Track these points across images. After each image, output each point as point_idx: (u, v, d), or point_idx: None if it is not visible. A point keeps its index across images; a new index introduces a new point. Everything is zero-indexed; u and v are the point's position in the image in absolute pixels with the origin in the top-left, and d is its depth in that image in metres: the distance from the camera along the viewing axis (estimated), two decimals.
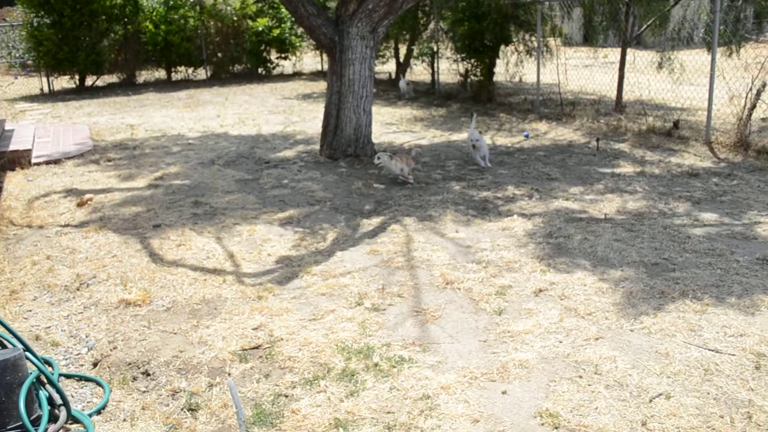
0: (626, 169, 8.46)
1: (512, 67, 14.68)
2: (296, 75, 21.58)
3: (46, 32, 18.49)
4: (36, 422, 3.35)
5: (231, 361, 4.07)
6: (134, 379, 3.98)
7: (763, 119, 10.24)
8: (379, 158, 7.78)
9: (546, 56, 13.79)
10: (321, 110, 12.43)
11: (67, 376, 4.03)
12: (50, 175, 9.02)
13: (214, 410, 3.60)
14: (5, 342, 3.87)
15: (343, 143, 9.13)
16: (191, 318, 4.64)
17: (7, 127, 11.66)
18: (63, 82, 20.40)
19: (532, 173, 8.32)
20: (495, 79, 15.04)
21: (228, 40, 20.75)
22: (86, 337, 4.49)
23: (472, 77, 15.22)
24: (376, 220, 6.61)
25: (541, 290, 4.89)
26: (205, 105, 15.47)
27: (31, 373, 3.48)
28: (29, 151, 9.78)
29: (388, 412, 3.49)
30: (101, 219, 6.88)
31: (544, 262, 5.40)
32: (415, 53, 17.42)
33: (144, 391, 3.85)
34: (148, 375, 4.00)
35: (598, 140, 9.99)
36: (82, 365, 4.18)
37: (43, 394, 3.54)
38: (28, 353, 3.66)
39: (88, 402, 3.79)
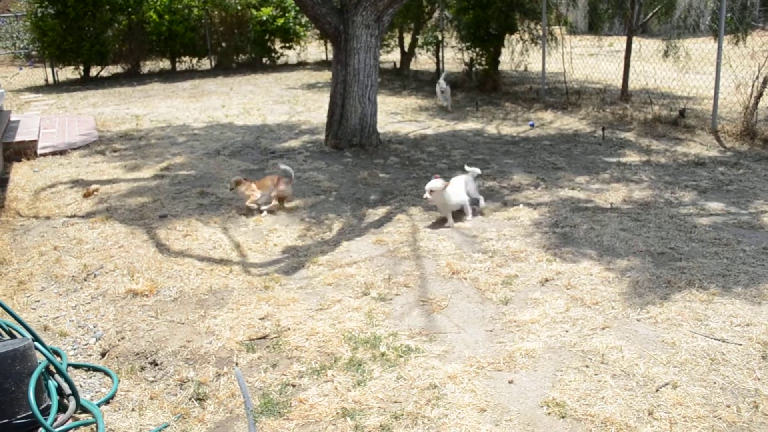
0: (632, 158, 8.44)
1: (517, 56, 14.64)
2: (301, 65, 21.54)
3: (50, 22, 18.48)
4: (45, 412, 3.37)
5: (238, 351, 4.09)
6: (142, 369, 4.00)
7: None
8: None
9: (551, 45, 13.75)
10: (326, 100, 12.42)
11: (76, 366, 4.06)
12: (56, 165, 9.03)
13: (221, 400, 3.62)
14: (14, 332, 3.90)
15: (349, 133, 9.13)
16: (198, 308, 4.66)
17: (13, 118, 11.67)
18: (68, 73, 20.40)
19: (537, 162, 8.30)
20: (500, 68, 15.01)
21: (232, 30, 20.71)
22: (94, 327, 4.51)
23: (477, 66, 15.18)
24: (381, 210, 6.62)
25: (547, 280, 4.89)
26: (209, 95, 15.47)
27: (40, 363, 3.50)
28: (35, 142, 9.80)
29: (395, 402, 3.50)
30: (107, 209, 6.89)
31: (550, 252, 5.40)
32: (419, 42, 17.37)
33: (152, 381, 3.87)
34: (156, 365, 4.02)
35: (603, 129, 9.96)
36: (90, 355, 4.21)
37: (52, 383, 3.56)
38: (36, 343, 3.68)
39: (96, 392, 3.81)
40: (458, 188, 6.23)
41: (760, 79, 9.18)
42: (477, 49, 14.83)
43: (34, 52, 21.79)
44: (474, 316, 4.45)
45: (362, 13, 8.82)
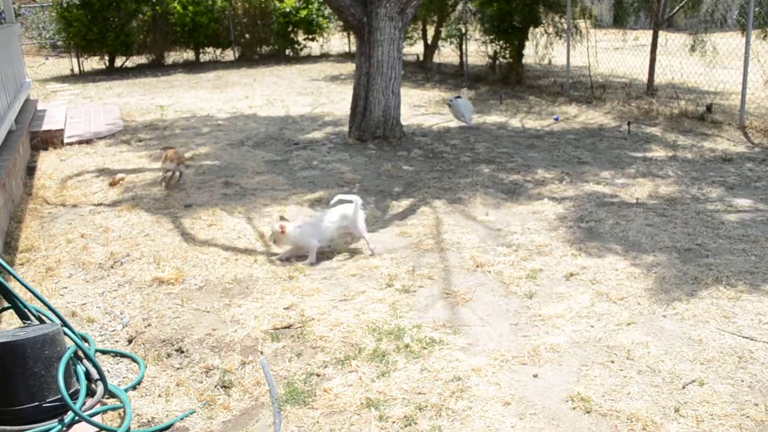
0: (658, 153, 8.37)
1: (541, 49, 14.54)
2: (324, 56, 21.56)
3: (76, 13, 18.63)
4: (74, 396, 3.41)
5: (263, 339, 4.11)
6: (168, 355, 4.03)
7: None
8: None
9: (576, 38, 13.64)
10: (349, 92, 12.42)
11: (103, 352, 4.10)
12: (82, 154, 9.12)
13: (246, 388, 3.65)
14: (43, 317, 3.95)
15: (372, 125, 9.13)
16: (223, 297, 4.69)
17: (40, 107, 11.79)
18: (93, 63, 20.55)
19: (562, 156, 8.26)
20: (524, 61, 14.92)
21: (255, 21, 20.76)
22: (121, 314, 4.55)
23: (501, 59, 15.10)
24: (405, 202, 6.62)
25: (572, 274, 4.87)
26: (233, 86, 15.53)
27: (69, 348, 3.54)
28: (62, 131, 9.90)
29: (419, 393, 3.51)
30: (133, 198, 6.96)
31: (575, 246, 5.37)
32: (443, 35, 17.31)
33: (178, 368, 3.91)
34: (182, 352, 4.05)
35: (629, 124, 9.88)
36: (117, 342, 4.25)
37: (80, 368, 3.60)
38: (65, 328, 3.73)
39: (123, 377, 3.85)
40: (315, 228, 5.36)
41: None
42: (501, 42, 14.76)
43: (59, 43, 22.00)
44: (498, 309, 4.44)
45: (386, 5, 8.80)
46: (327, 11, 20.72)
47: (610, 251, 5.27)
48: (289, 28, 20.77)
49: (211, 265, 5.20)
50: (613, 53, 15.43)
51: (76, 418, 3.27)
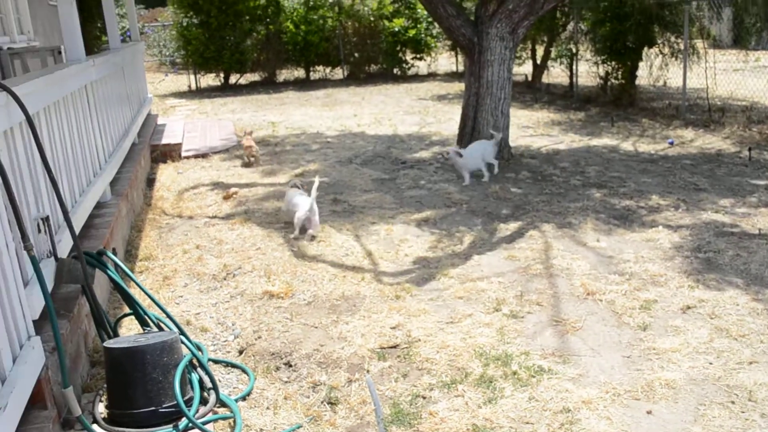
0: None
1: (656, 70, 14.09)
2: (431, 76, 21.65)
3: (195, 32, 19.50)
4: (188, 403, 3.51)
5: (369, 358, 4.13)
6: (277, 369, 4.11)
7: None
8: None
9: (692, 59, 13.14)
10: (456, 111, 12.40)
11: (215, 361, 4.22)
12: (198, 168, 9.49)
13: (352, 405, 3.67)
14: (162, 325, 4.11)
15: None
16: (331, 313, 4.75)
17: (159, 121, 12.37)
18: (209, 80, 21.42)
19: (677, 183, 7.95)
20: (637, 82, 14.51)
21: (365, 41, 21.10)
22: (232, 325, 4.68)
23: (613, 80, 14.74)
24: (513, 225, 6.52)
25: (689, 307, 4.66)
26: (342, 104, 15.81)
27: (185, 356, 3.66)
28: (179, 144, 10.33)
29: (527, 423, 3.43)
30: (246, 212, 7.16)
31: (693, 278, 5.15)
32: (552, 55, 17.08)
33: (286, 382, 3.97)
34: (290, 366, 4.12)
35: (750, 149, 9.42)
36: (228, 352, 4.37)
37: (194, 376, 3.72)
38: (182, 337, 3.86)
39: (234, 387, 3.94)
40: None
41: None
42: (613, 63, 14.42)
43: (178, 60, 23.03)
44: (610, 340, 4.30)
45: (497, 25, 8.76)
46: (435, 31, 20.83)
47: (731, 284, 5.01)
48: (398, 48, 21.01)
49: (319, 281, 5.28)
50: (733, 75, 14.78)
51: (190, 425, 3.37)
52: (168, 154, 10.09)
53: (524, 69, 18.91)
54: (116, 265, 4.19)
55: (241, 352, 4.33)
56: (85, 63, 5.72)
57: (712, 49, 13.62)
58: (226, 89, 20.17)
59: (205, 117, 14.51)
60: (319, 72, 21.91)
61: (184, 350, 3.78)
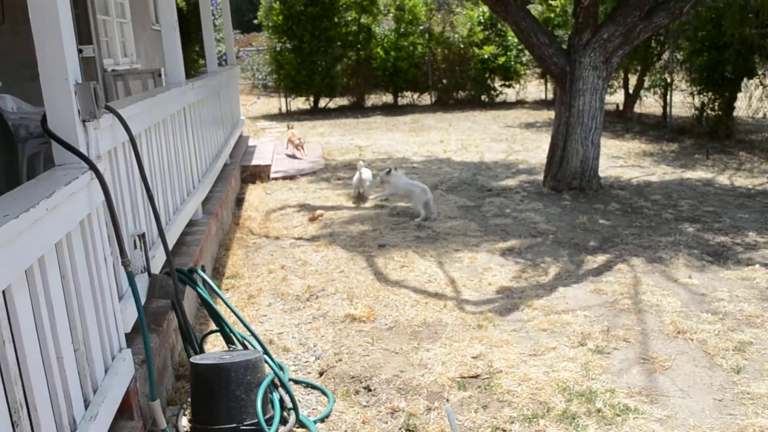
0: None
1: (756, 101, 13.57)
2: (519, 103, 21.50)
3: (287, 56, 20.03)
4: (268, 422, 3.55)
5: (449, 387, 4.08)
6: (356, 392, 4.11)
7: None
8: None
9: None
10: (544, 140, 12.25)
11: (296, 382, 4.26)
12: (286, 189, 9.68)
13: None
14: (246, 343, 4.18)
15: (569, 175, 8.93)
16: (412, 339, 4.73)
17: (250, 143, 12.71)
18: (299, 103, 21.89)
19: None
20: (735, 114, 14.00)
21: (454, 67, 21.17)
22: (314, 346, 4.72)
23: (709, 111, 14.28)
24: (601, 258, 6.36)
25: None
26: (429, 130, 15.86)
27: (267, 375, 3.72)
28: (269, 166, 10.58)
29: None
30: (331, 235, 7.25)
31: None
32: (645, 84, 16.69)
33: (365, 406, 3.97)
34: (370, 390, 4.12)
35: None
36: (309, 373, 4.40)
37: (275, 395, 3.77)
38: (265, 356, 3.92)
39: (313, 409, 3.97)
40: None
41: None
42: (710, 94, 13.97)
43: (270, 83, 23.66)
44: (700, 381, 4.12)
45: (590, 54, 8.64)
46: (525, 58, 20.72)
47: None
48: (487, 75, 20.98)
49: (401, 307, 5.28)
50: None
51: None
52: (257, 175, 10.34)
53: (615, 98, 18.55)
54: (205, 282, 4.31)
55: (321, 374, 4.36)
56: (185, 86, 5.95)
57: None
58: (315, 113, 20.57)
59: None
60: (407, 97, 22.08)
61: (267, 369, 3.84)
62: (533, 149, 12.66)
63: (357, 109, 20.97)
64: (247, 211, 8.50)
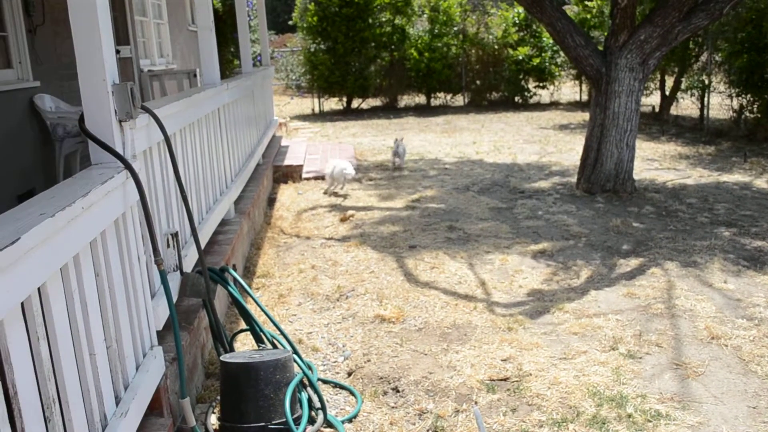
0: None
1: None
2: (553, 105, 21.34)
3: (321, 57, 20.13)
4: (296, 421, 3.58)
5: (478, 389, 4.07)
6: (385, 393, 4.12)
7: None
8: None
9: None
10: (578, 142, 12.15)
11: (324, 382, 4.28)
12: (317, 189, 9.72)
13: None
14: (276, 343, 4.21)
15: (602, 178, 8.84)
16: (441, 341, 4.72)
17: (283, 143, 12.79)
18: (332, 104, 21.98)
19: None
20: None
21: (487, 68, 21.08)
22: (343, 346, 4.74)
23: (747, 114, 14.03)
24: (634, 262, 6.29)
25: None
26: (461, 131, 15.82)
27: (296, 375, 3.74)
28: (301, 166, 10.64)
29: None
30: (361, 235, 7.27)
31: None
32: (682, 86, 16.44)
33: (393, 407, 3.97)
34: (398, 392, 4.12)
35: None
36: (337, 373, 4.42)
37: (304, 395, 3.79)
38: (295, 355, 3.95)
39: (341, 409, 3.99)
40: None
41: None
42: (748, 96, 13.73)
43: (303, 84, 23.79)
44: (734, 388, 4.06)
45: (627, 56, 8.55)
46: (560, 59, 20.56)
47: None
48: (521, 76, 20.86)
49: (431, 308, 5.28)
50: None
51: None
52: (289, 175, 10.40)
53: (651, 100, 18.33)
54: (236, 281, 4.35)
55: (350, 374, 4.38)
56: (220, 87, 6.01)
57: None
58: (347, 113, 20.63)
59: (326, 140, 14.88)
60: (440, 98, 22.04)
61: (296, 369, 3.86)
62: (567, 151, 12.56)
63: (390, 110, 20.99)
64: (279, 210, 8.56)
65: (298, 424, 3.56)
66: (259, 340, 4.22)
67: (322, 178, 10.43)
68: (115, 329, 2.79)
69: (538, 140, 14.09)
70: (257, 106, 9.43)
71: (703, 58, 15.71)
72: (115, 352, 2.77)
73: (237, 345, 4.68)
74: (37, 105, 7.09)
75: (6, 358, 1.91)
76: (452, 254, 6.55)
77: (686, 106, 17.38)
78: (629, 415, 3.74)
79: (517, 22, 21.01)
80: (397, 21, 20.60)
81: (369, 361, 4.49)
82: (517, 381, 4.15)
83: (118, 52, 9.34)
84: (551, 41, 19.51)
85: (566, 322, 4.99)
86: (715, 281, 5.75)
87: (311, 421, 3.73)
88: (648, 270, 6.04)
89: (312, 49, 20.57)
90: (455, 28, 20.93)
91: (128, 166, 3.00)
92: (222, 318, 4.97)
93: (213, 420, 3.71)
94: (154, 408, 3.14)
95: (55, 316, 2.22)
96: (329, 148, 13.26)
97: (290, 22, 24.04)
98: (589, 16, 19.47)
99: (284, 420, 3.52)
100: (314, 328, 5.07)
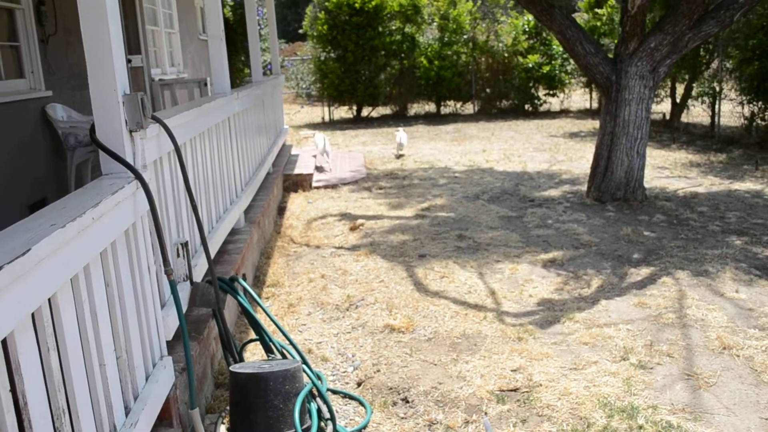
0: None
1: None
2: (563, 112, 21.30)
3: (332, 66, 20.18)
4: None
5: (488, 400, 4.06)
6: (394, 404, 4.11)
7: None
8: None
9: None
10: (588, 150, 12.12)
11: (334, 392, 4.28)
12: (327, 198, 9.73)
13: None
14: (285, 353, 4.21)
15: (613, 186, 8.81)
16: (451, 351, 4.71)
17: (293, 152, 12.81)
18: (342, 112, 22.02)
19: None
20: None
21: (497, 76, 21.07)
22: (353, 356, 4.73)
23: (759, 121, 13.96)
24: (645, 271, 6.26)
25: None
26: (471, 139, 15.81)
27: (306, 385, 3.74)
28: (311, 175, 10.65)
29: None
30: (371, 244, 7.26)
31: None
32: (693, 93, 16.38)
33: (402, 417, 3.96)
34: (407, 402, 4.11)
35: None
36: (347, 383, 4.41)
37: (313, 405, 3.78)
38: (304, 366, 3.94)
39: (350, 419, 3.98)
40: None
41: None
42: (759, 103, 13.67)
43: (314, 92, 23.85)
44: (747, 399, 4.02)
45: (637, 64, 8.53)
46: (570, 67, 20.53)
47: None
48: (531, 84, 20.84)
49: (440, 318, 5.26)
50: None
51: None
52: (299, 183, 10.42)
53: (662, 107, 18.27)
54: (245, 291, 4.35)
55: (359, 384, 4.37)
56: (230, 96, 6.03)
57: None
58: (357, 122, 20.66)
59: (336, 148, 14.90)
60: (450, 106, 22.04)
61: (305, 379, 3.86)
62: (577, 159, 12.53)
63: (400, 118, 21.00)
64: (289, 219, 8.57)
65: None
66: (268, 350, 4.21)
67: (332, 187, 10.45)
68: (125, 339, 2.80)
69: (548, 148, 14.06)
70: (267, 115, 9.45)
71: (714, 65, 15.65)
72: (124, 363, 2.77)
73: (246, 355, 4.68)
74: (49, 114, 7.14)
75: (16, 368, 1.92)
76: (462, 263, 6.54)
77: (697, 113, 17.31)
78: (640, 427, 3.71)
79: (527, 29, 20.99)
80: (406, 29, 20.63)
81: (378, 371, 4.48)
82: (527, 391, 4.14)
83: (129, 61, 9.39)
84: (561, 49, 19.48)
85: (577, 332, 4.97)
86: (726, 290, 5.71)
87: (320, 431, 3.72)
88: (659, 279, 6.01)
89: (322, 58, 20.63)
90: (465, 36, 20.93)
91: (138, 177, 3.01)
92: (232, 328, 4.97)
93: (222, 430, 3.71)
94: (163, 418, 3.14)
95: (65, 327, 2.23)
96: (339, 156, 13.28)
97: (300, 31, 24.12)
98: (599, 23, 19.45)
99: (293, 430, 3.52)
100: (324, 337, 5.06)
